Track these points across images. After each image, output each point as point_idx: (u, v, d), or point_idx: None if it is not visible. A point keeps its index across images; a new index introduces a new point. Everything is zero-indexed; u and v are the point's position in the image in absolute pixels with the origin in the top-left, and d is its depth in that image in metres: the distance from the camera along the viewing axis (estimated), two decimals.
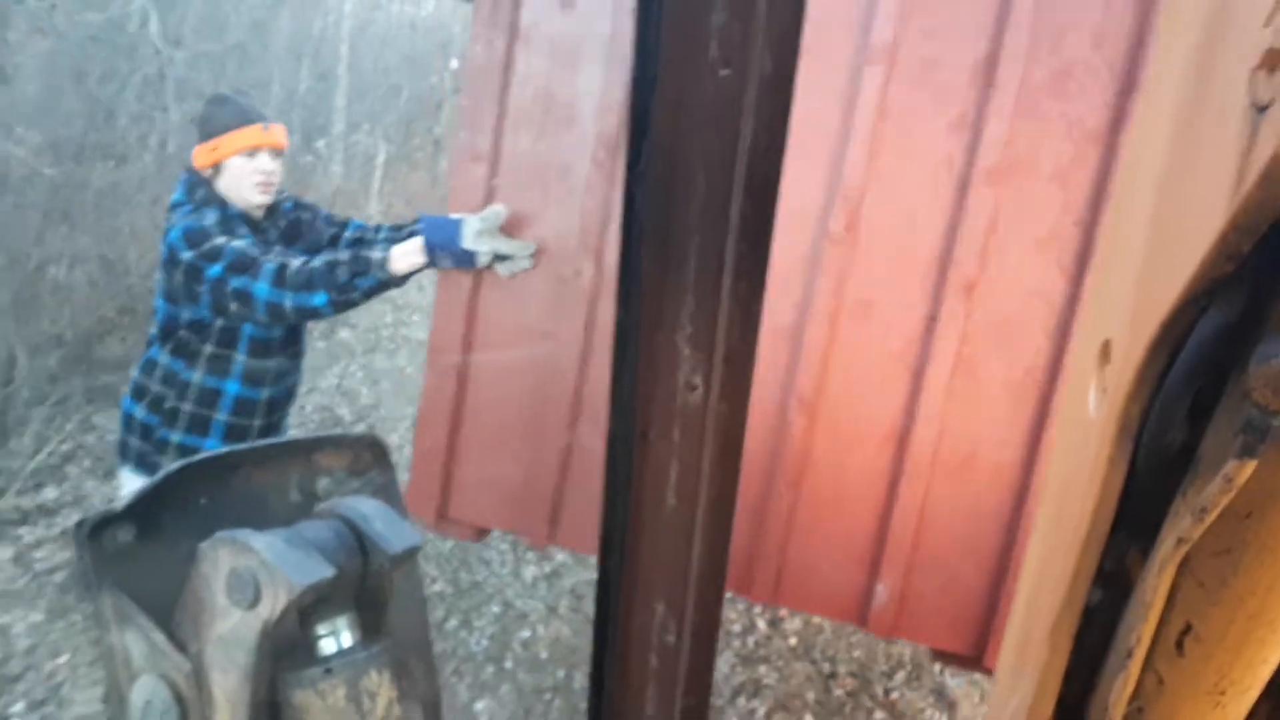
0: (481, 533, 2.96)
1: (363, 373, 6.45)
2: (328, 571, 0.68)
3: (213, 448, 2.54)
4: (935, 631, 2.53)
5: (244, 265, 2.53)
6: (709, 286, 0.42)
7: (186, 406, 2.78)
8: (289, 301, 2.54)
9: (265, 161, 2.73)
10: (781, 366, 2.61)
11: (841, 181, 2.47)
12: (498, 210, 2.50)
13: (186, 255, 2.57)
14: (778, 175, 0.41)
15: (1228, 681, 0.45)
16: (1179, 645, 0.45)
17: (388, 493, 0.81)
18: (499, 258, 2.55)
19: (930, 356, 2.43)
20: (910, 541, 2.49)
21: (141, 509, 0.74)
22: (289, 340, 2.89)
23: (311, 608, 0.71)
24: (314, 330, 6.29)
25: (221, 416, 2.81)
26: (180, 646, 0.71)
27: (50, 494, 4.81)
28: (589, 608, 3.59)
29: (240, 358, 2.79)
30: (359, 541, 0.72)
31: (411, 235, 2.81)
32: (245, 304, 2.57)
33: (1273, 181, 0.33)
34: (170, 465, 0.77)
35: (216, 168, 2.73)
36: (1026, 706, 0.52)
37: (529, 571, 4.85)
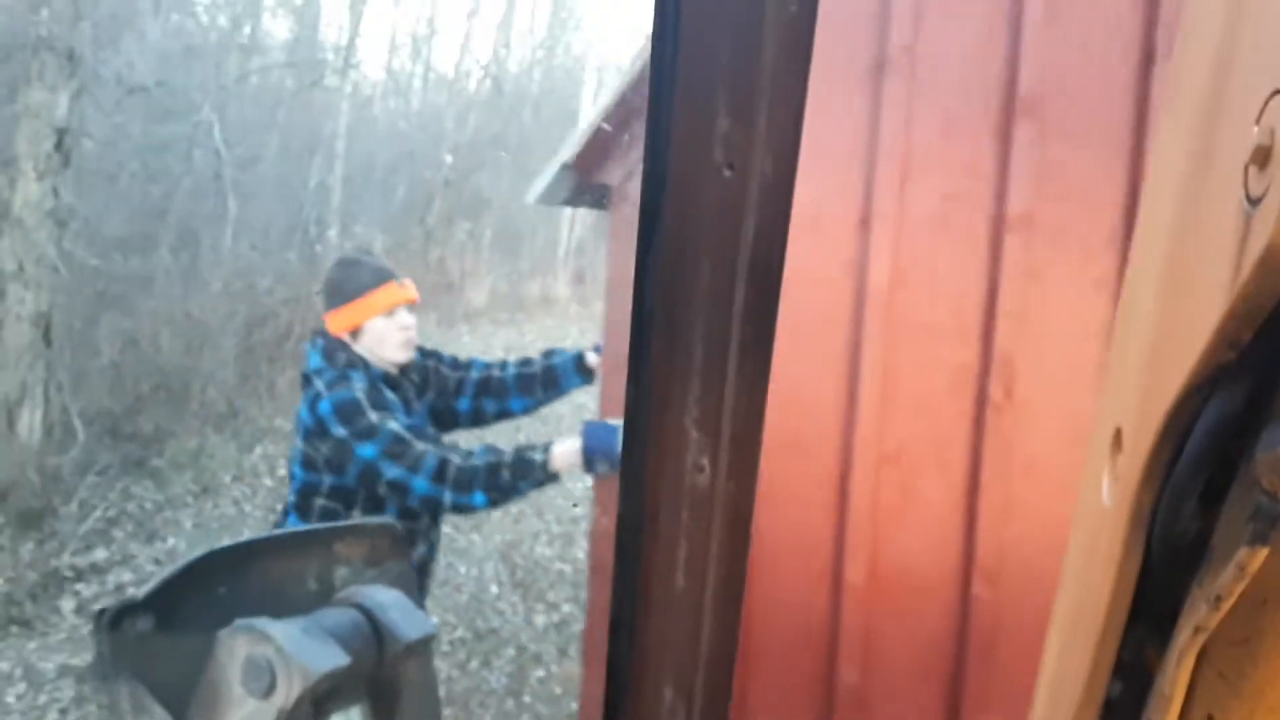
0: None
1: None
2: (343, 659, 0.69)
3: None
4: None
5: (400, 453, 2.50)
6: (714, 370, 0.44)
7: None
8: (448, 498, 2.52)
9: (405, 318, 2.73)
10: (959, 537, 2.63)
11: (994, 348, 2.53)
12: None
13: (339, 431, 2.54)
14: (780, 264, 0.43)
15: None
16: None
17: (404, 581, 0.82)
18: None
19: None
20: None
21: (161, 598, 0.75)
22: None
23: (326, 696, 0.71)
24: None
25: None
26: None
27: (100, 554, 5.16)
28: None
29: (406, 523, 2.71)
30: (374, 630, 0.73)
31: (576, 357, 2.89)
32: (399, 494, 2.55)
33: (1268, 271, 0.34)
34: (190, 555, 0.78)
35: (355, 331, 2.71)
36: None
37: (539, 619, 4.89)
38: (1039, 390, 2.55)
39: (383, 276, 2.73)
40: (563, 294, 13.21)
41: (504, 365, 2.99)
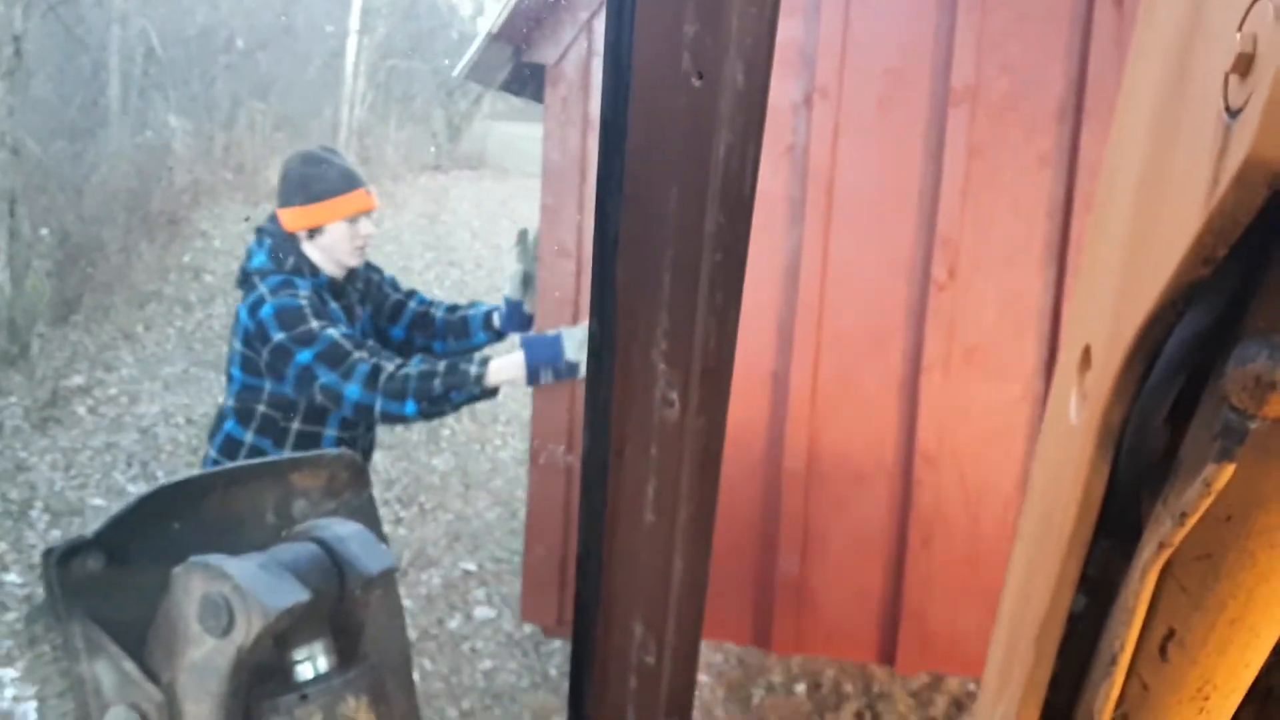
0: None
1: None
2: (303, 595, 0.67)
3: None
4: None
5: (336, 360, 2.53)
6: (684, 300, 0.42)
7: None
8: (378, 405, 2.54)
9: (366, 226, 2.72)
10: (897, 422, 2.59)
11: (938, 228, 2.46)
12: None
13: (278, 336, 2.56)
14: (752, 187, 0.40)
15: (1211, 686, 0.45)
16: (1163, 651, 0.46)
17: (364, 513, 0.80)
18: None
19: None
20: None
21: (112, 535, 0.73)
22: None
23: (286, 633, 0.69)
24: None
25: None
26: (152, 676, 0.69)
27: (79, 379, 7.00)
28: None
29: (330, 432, 2.78)
30: (335, 564, 0.71)
31: (485, 314, 2.91)
32: (332, 400, 2.58)
33: (1246, 185, 0.33)
34: (143, 489, 0.75)
35: (313, 231, 2.68)
36: (1012, 714, 0.52)
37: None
38: (982, 269, 2.52)
39: (352, 182, 2.70)
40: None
41: (438, 305, 3.02)
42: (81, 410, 6.44)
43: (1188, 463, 0.43)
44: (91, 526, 0.73)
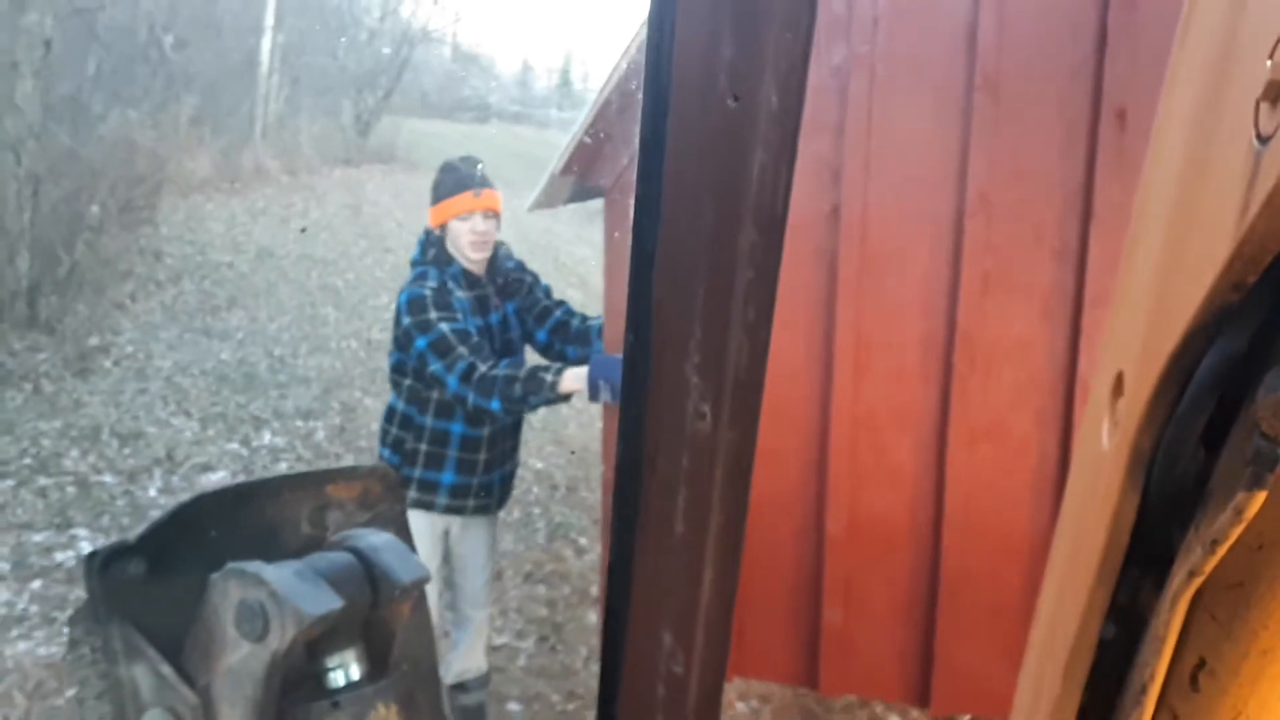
0: None
1: None
2: (336, 603, 0.68)
3: (448, 481, 3.20)
4: None
5: (443, 351, 2.94)
6: (717, 314, 0.42)
7: (423, 446, 3.20)
8: (470, 399, 2.93)
9: (478, 223, 3.12)
10: (928, 492, 2.87)
11: (959, 322, 2.67)
12: None
13: (405, 321, 3.01)
14: (785, 205, 0.41)
15: (1243, 718, 0.44)
16: (1193, 681, 0.45)
17: (397, 525, 0.81)
18: None
19: (1070, 468, 2.57)
20: None
21: (152, 542, 0.75)
22: None
23: (320, 640, 0.71)
24: None
25: (452, 453, 3.21)
26: (188, 680, 0.71)
27: (96, 340, 7.83)
28: None
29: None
30: (368, 573, 0.72)
31: (586, 331, 3.35)
32: (437, 386, 2.99)
33: (1276, 212, 0.33)
34: (182, 499, 0.77)
35: (443, 228, 3.15)
36: None
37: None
38: (999, 357, 2.70)
39: (462, 185, 3.13)
40: (272, 166, 13.85)
41: (577, 316, 3.42)
42: (108, 364, 7.40)
43: (1219, 490, 0.42)
44: (133, 533, 0.75)
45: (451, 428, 3.17)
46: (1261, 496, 0.38)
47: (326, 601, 0.68)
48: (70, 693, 0.77)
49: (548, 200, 3.81)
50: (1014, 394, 2.75)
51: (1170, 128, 0.47)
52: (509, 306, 3.33)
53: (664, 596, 0.49)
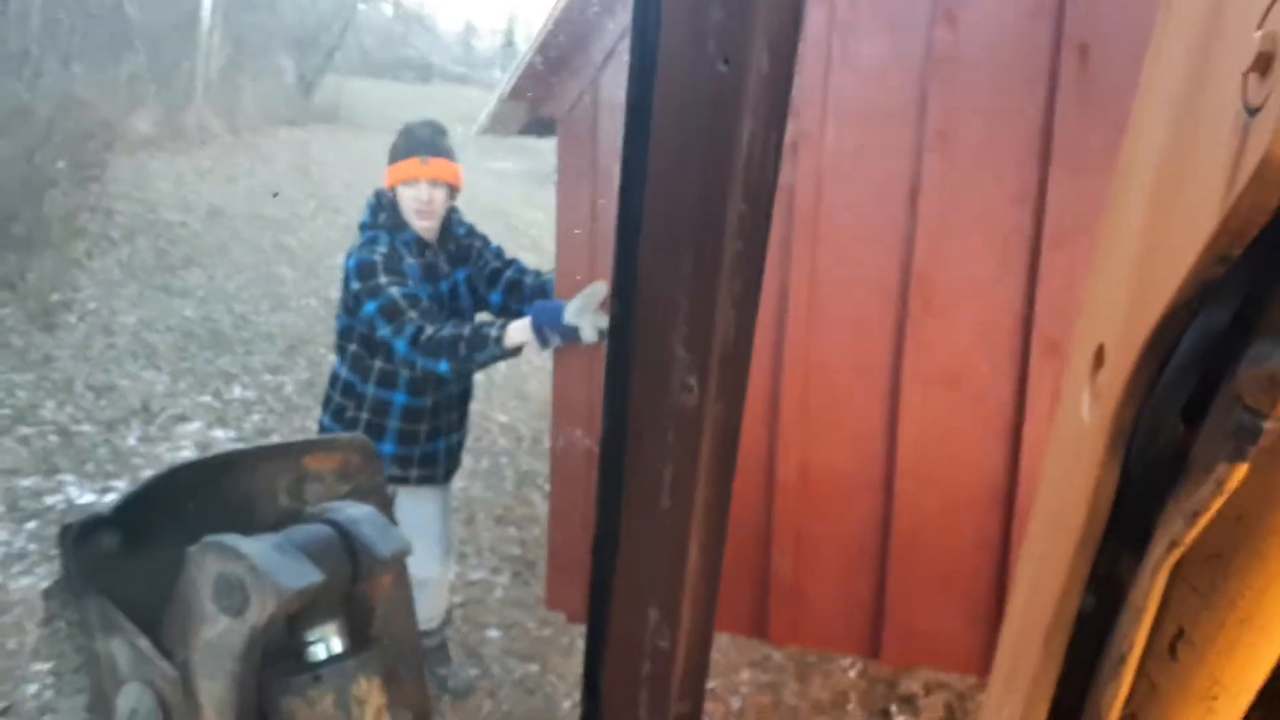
0: None
1: None
2: (316, 576, 0.67)
3: (389, 452, 3.14)
4: None
5: (392, 316, 2.90)
6: (705, 287, 0.42)
7: (364, 415, 3.14)
8: (419, 362, 2.91)
9: (422, 191, 3.07)
10: (881, 440, 2.77)
11: (915, 263, 2.61)
12: (598, 288, 2.80)
13: (354, 286, 2.96)
14: (775, 175, 0.40)
15: (1220, 687, 0.45)
16: (1172, 650, 0.45)
17: (377, 496, 0.80)
18: (602, 332, 2.82)
19: (1026, 417, 2.53)
20: None
21: (128, 514, 0.73)
22: None
23: (300, 614, 0.70)
24: None
25: (393, 424, 3.15)
26: (166, 653, 0.70)
27: (67, 295, 7.73)
28: None
29: (404, 371, 3.10)
30: (348, 546, 0.71)
31: (542, 287, 3.26)
32: (387, 350, 2.98)
33: (1263, 184, 0.33)
34: (158, 470, 0.76)
35: (394, 190, 3.10)
36: (1020, 713, 0.52)
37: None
38: (956, 300, 2.65)
39: (411, 150, 3.08)
40: (215, 124, 13.80)
41: (529, 273, 3.35)
42: (73, 319, 7.36)
43: (1200, 462, 0.42)
44: (108, 504, 0.74)
45: (394, 397, 3.12)
46: (1243, 469, 0.38)
47: (306, 575, 0.67)
48: (46, 667, 0.76)
49: (495, 126, 3.63)
50: (970, 339, 2.67)
51: (1154, 99, 0.47)
52: (459, 274, 3.27)
53: (650, 571, 0.49)
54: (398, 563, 0.72)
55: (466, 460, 6.04)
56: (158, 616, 0.71)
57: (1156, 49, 0.48)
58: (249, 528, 0.71)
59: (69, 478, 5.07)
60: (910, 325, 2.70)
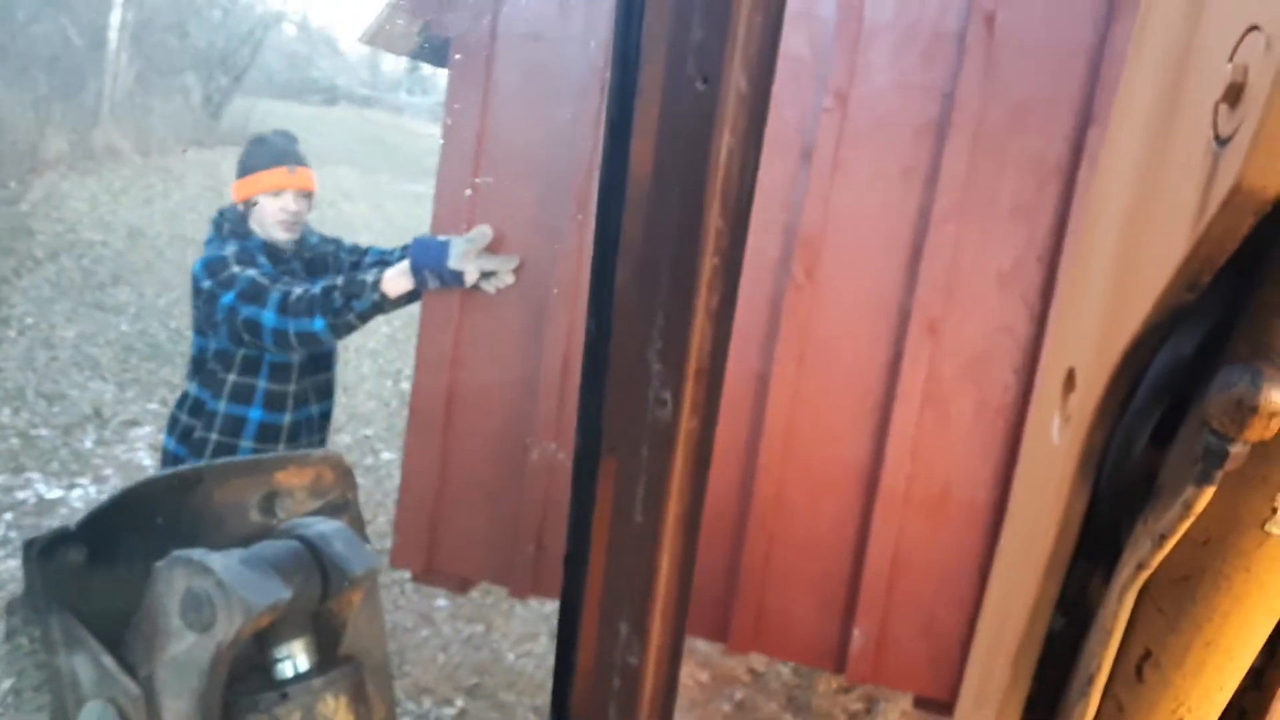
0: (465, 584, 2.95)
1: None
2: (284, 593, 0.67)
3: None
4: (914, 677, 2.46)
5: (255, 294, 2.69)
6: (681, 301, 0.42)
7: (213, 436, 2.89)
8: (291, 328, 2.68)
9: (289, 201, 2.91)
10: (749, 410, 2.62)
11: (800, 228, 2.49)
12: (484, 231, 2.60)
13: (206, 284, 2.75)
14: (752, 191, 0.41)
15: (1185, 709, 0.45)
16: (1139, 672, 0.46)
17: (349, 512, 0.80)
18: (484, 275, 2.64)
19: (897, 397, 2.43)
20: (885, 584, 2.44)
21: (95, 528, 0.72)
22: (311, 365, 3.00)
23: (268, 630, 0.69)
24: None
25: (247, 443, 2.90)
26: (130, 670, 0.69)
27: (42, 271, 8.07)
28: None
29: (261, 384, 2.89)
30: (318, 563, 0.71)
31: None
32: (255, 333, 2.72)
33: (1233, 212, 0.34)
34: (124, 485, 0.75)
35: (248, 203, 2.92)
36: None
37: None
38: (839, 272, 2.50)
39: (277, 159, 2.93)
40: (124, 146, 13.80)
41: (390, 252, 3.13)
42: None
43: (1168, 485, 0.43)
44: (74, 519, 0.73)
45: (248, 413, 2.89)
46: (1210, 492, 0.39)
47: (275, 591, 0.66)
48: (6, 684, 0.74)
49: (381, 40, 3.32)
50: (848, 313, 2.50)
51: (1126, 126, 0.48)
52: (317, 284, 3.00)
53: (621, 586, 0.49)
54: (368, 580, 0.72)
55: (380, 428, 6.32)
56: (122, 633, 0.70)
57: (1130, 78, 0.49)
58: (218, 543, 0.70)
59: (35, 475, 5.22)
60: (791, 293, 2.54)
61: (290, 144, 2.99)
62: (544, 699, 3.99)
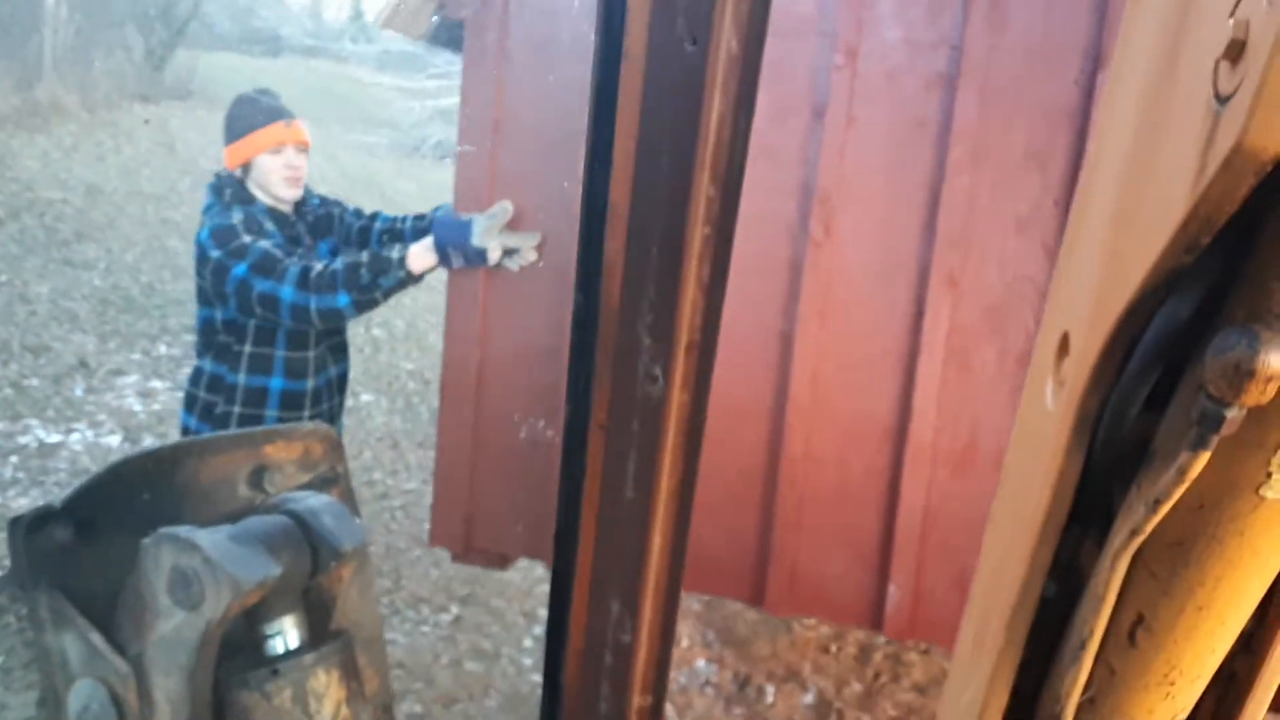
0: (505, 560, 2.97)
1: None
2: (274, 569, 0.66)
3: None
4: (952, 631, 2.48)
5: (269, 267, 2.63)
6: (671, 274, 0.41)
7: (236, 409, 2.85)
8: (313, 304, 2.64)
9: (291, 156, 2.85)
10: (775, 369, 2.64)
11: (816, 187, 2.49)
12: (505, 207, 2.60)
13: (215, 254, 2.68)
14: (744, 157, 0.39)
15: (1177, 672, 0.45)
16: (1131, 636, 0.46)
17: (339, 486, 0.79)
18: (507, 252, 2.64)
19: (920, 349, 2.43)
20: (918, 538, 2.45)
21: (81, 505, 0.72)
22: (326, 329, 2.95)
23: (257, 607, 0.68)
24: None
25: (271, 413, 2.87)
26: (119, 648, 0.68)
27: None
28: None
29: (280, 353, 2.86)
30: (307, 538, 0.70)
31: (423, 229, 2.94)
32: (270, 308, 2.67)
33: (1233, 173, 0.33)
34: (111, 460, 0.74)
35: (246, 166, 2.84)
36: (981, 698, 0.52)
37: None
38: (858, 228, 2.51)
39: (272, 115, 2.85)
40: (69, 101, 13.74)
41: (405, 219, 3.09)
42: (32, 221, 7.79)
43: (1163, 450, 0.43)
44: (60, 496, 0.72)
45: (269, 383, 2.84)
46: (1205, 457, 0.38)
47: (264, 568, 0.65)
48: None
49: (397, 23, 3.28)
50: (868, 268, 2.50)
51: (1124, 87, 0.47)
52: (323, 246, 3.03)
53: (612, 563, 0.48)
54: (359, 554, 0.71)
55: (383, 400, 6.46)
56: (111, 611, 0.70)
57: (1126, 36, 0.48)
58: (206, 519, 0.70)
59: (33, 422, 5.40)
60: (811, 251, 2.53)
61: (276, 99, 2.93)
62: (531, 604, 4.19)
